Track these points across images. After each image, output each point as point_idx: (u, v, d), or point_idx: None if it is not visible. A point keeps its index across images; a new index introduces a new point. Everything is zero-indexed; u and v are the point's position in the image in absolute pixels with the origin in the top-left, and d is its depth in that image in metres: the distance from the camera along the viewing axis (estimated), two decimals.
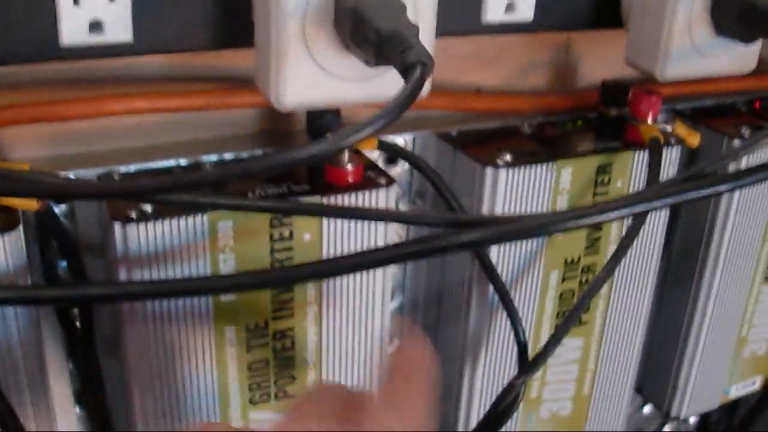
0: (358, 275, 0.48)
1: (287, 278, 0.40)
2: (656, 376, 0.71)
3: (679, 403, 0.70)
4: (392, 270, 0.51)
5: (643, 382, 0.73)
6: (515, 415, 0.58)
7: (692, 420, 0.85)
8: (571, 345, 0.59)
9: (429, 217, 0.45)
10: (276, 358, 0.48)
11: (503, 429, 0.58)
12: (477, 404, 0.57)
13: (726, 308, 0.66)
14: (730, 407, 0.81)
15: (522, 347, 0.51)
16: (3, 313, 0.41)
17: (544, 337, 0.57)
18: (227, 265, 0.44)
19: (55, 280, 0.46)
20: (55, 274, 0.46)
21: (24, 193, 0.39)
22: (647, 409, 0.80)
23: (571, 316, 0.51)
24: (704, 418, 0.82)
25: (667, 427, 0.84)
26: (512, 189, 0.51)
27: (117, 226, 0.42)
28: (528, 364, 0.51)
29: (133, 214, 0.43)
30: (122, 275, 0.43)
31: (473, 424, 0.57)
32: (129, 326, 0.44)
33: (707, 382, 0.69)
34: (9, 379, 0.43)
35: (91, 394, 0.50)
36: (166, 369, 0.46)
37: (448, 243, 0.39)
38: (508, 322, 0.53)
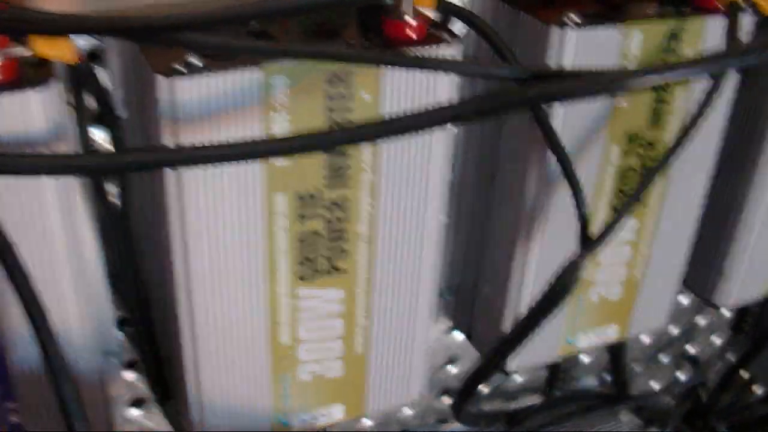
0: (415, 143, 0.45)
1: (347, 138, 0.37)
2: (701, 263, 0.68)
3: (722, 295, 0.67)
4: (450, 139, 0.47)
5: (687, 271, 0.70)
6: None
7: (728, 315, 0.83)
8: (626, 226, 0.56)
9: (506, 69, 0.42)
10: (328, 230, 0.45)
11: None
12: (529, 287, 0.54)
13: None
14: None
15: (584, 222, 0.48)
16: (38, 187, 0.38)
17: (601, 216, 0.54)
18: (280, 125, 0.41)
19: (91, 147, 0.43)
20: (89, 141, 0.43)
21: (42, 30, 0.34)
22: (683, 299, 0.78)
23: (639, 190, 0.48)
24: (741, 314, 0.80)
25: (700, 319, 0.81)
26: (580, 52, 0.47)
27: (161, 81, 0.39)
28: (592, 240, 0.48)
29: (180, 67, 0.39)
30: (166, 139, 0.40)
31: (523, 308, 0.54)
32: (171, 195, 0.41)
33: (756, 268, 0.66)
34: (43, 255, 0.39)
35: (128, 277, 0.47)
36: (209, 240, 0.42)
37: (522, 96, 0.35)
38: (567, 198, 0.50)
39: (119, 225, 0.46)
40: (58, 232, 0.40)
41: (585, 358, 0.74)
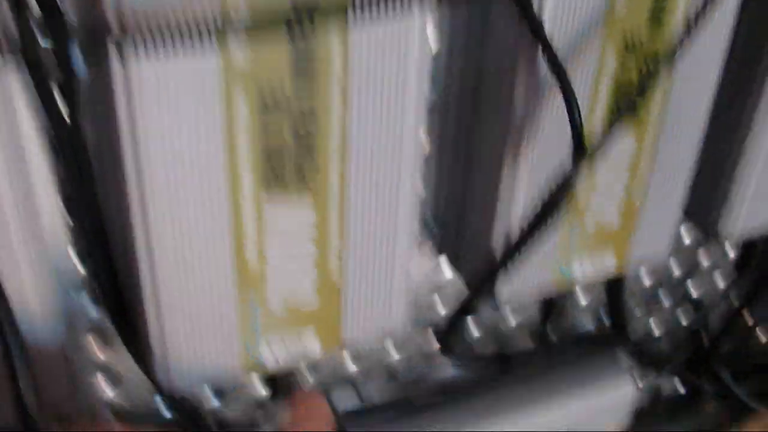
0: (389, 52, 0.41)
1: None
2: (703, 192, 0.64)
3: (727, 224, 0.63)
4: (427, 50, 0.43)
5: (687, 201, 0.66)
6: (560, 223, 0.52)
7: (732, 254, 0.79)
8: (623, 144, 0.52)
9: None
10: (296, 141, 0.41)
11: (548, 241, 0.52)
12: (519, 209, 0.50)
13: None
14: None
15: (578, 132, 0.44)
16: None
17: (596, 132, 0.50)
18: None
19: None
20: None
21: None
22: (685, 236, 0.74)
23: (636, 97, 0.44)
24: (746, 252, 0.76)
25: (703, 259, 0.78)
26: None
27: None
28: (585, 153, 0.44)
29: None
30: None
31: (513, 231, 0.50)
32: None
33: (762, 200, 0.62)
34: None
35: (82, 199, 0.43)
36: (164, 150, 0.38)
37: None
38: (558, 109, 0.46)
39: (71, 138, 0.42)
40: None
41: (582, 299, 0.70)
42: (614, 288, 0.70)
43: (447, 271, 0.60)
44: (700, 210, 0.65)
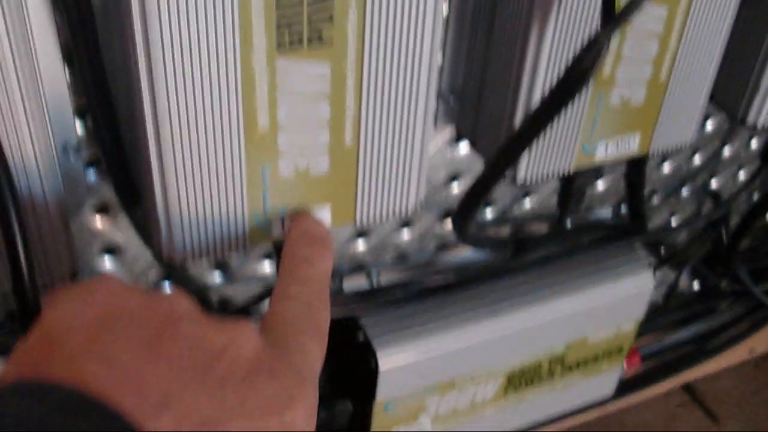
0: None
1: None
2: (733, 78, 0.61)
3: (757, 109, 0.61)
4: None
5: (715, 88, 0.63)
6: (585, 98, 0.49)
7: (755, 146, 0.76)
8: (653, 13, 0.49)
9: None
10: None
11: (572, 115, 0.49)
12: (542, 77, 0.47)
13: None
14: None
15: None
16: None
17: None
18: None
19: None
20: None
21: None
22: (709, 125, 0.71)
23: None
24: None
25: (726, 149, 0.75)
26: None
27: None
28: (615, 18, 0.41)
29: None
30: None
31: (535, 102, 0.48)
32: None
33: None
34: None
35: (83, 48, 0.41)
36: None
37: None
38: None
39: None
40: None
41: (600, 185, 0.68)
42: (634, 175, 0.67)
43: (463, 148, 0.58)
44: (728, 97, 0.62)
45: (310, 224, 0.42)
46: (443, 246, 0.64)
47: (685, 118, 0.56)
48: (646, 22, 0.49)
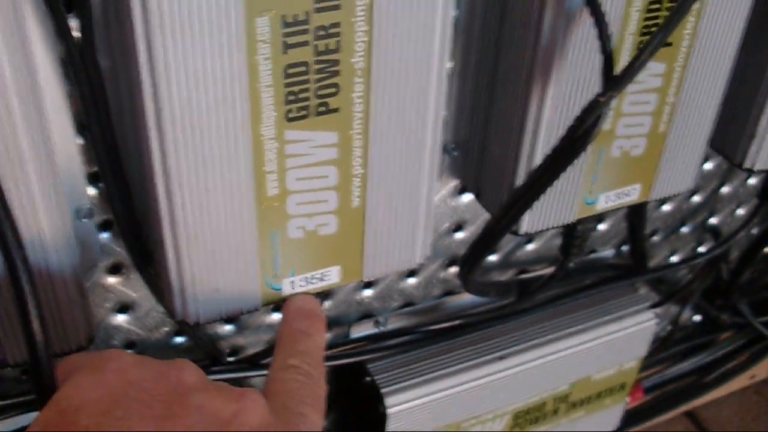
0: None
1: None
2: (730, 124, 0.62)
3: (753, 153, 0.62)
4: None
5: (713, 133, 0.64)
6: (587, 151, 0.50)
7: (753, 181, 0.77)
8: (652, 70, 0.50)
9: None
10: (318, 62, 0.39)
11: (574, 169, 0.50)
12: (544, 135, 0.48)
13: None
14: None
15: (608, 56, 0.43)
16: None
17: (625, 57, 0.48)
18: None
19: None
20: None
21: None
22: (706, 164, 0.73)
23: (668, 22, 0.42)
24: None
25: (725, 188, 0.76)
26: None
27: None
28: (617, 77, 0.43)
29: None
30: None
31: (538, 159, 0.49)
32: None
33: None
34: None
35: (95, 118, 0.42)
36: (182, 73, 0.37)
37: None
38: (588, 33, 0.44)
39: (85, 62, 0.40)
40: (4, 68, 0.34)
41: (602, 227, 0.69)
42: (635, 217, 0.68)
43: (467, 197, 0.59)
44: (726, 142, 0.63)
45: (305, 301, 0.45)
46: (449, 291, 0.65)
47: (685, 166, 0.57)
48: (645, 78, 0.50)
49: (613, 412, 0.76)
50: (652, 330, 0.70)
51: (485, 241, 0.49)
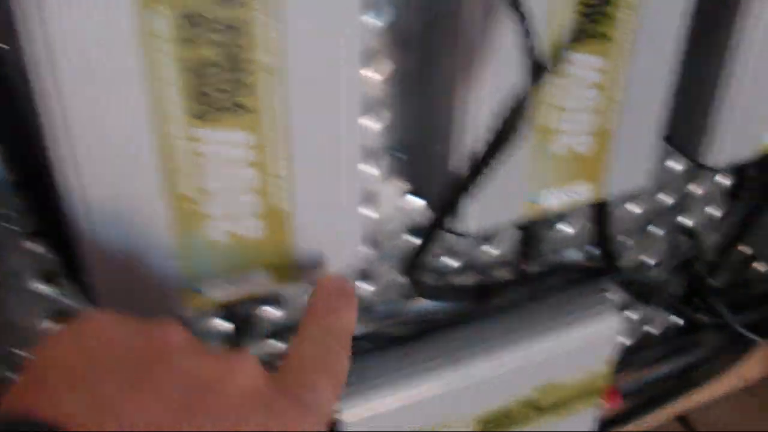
0: None
1: None
2: (688, 120, 0.61)
3: (711, 149, 0.61)
4: None
5: (672, 130, 0.63)
6: (528, 148, 0.50)
7: (726, 182, 0.76)
8: (590, 64, 0.49)
9: None
10: (226, 60, 0.38)
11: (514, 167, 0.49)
12: (477, 131, 0.47)
13: None
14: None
15: (531, 48, 0.42)
16: None
17: (558, 47, 0.47)
18: None
19: None
20: None
21: None
22: (675, 164, 0.71)
23: (594, 11, 0.41)
24: (740, 176, 0.73)
25: (696, 188, 0.75)
26: None
27: None
28: (540, 70, 0.42)
29: None
30: None
31: (474, 156, 0.48)
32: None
33: (743, 125, 0.59)
34: None
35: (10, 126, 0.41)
36: (79, 72, 0.36)
37: None
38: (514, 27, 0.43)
39: None
40: None
41: (567, 228, 0.68)
42: (600, 218, 0.67)
43: (414, 201, 0.58)
44: (685, 140, 0.62)
45: (336, 279, 0.41)
46: (407, 296, 0.64)
47: (637, 164, 0.56)
48: (584, 73, 0.49)
49: (587, 417, 0.75)
50: (618, 331, 0.69)
51: (424, 241, 0.49)
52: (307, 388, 0.33)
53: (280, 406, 0.31)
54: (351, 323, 0.39)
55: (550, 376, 0.68)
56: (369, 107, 0.51)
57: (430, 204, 0.54)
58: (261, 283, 0.45)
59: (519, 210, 0.52)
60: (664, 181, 0.71)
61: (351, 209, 0.46)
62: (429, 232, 0.49)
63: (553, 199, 0.54)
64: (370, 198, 0.56)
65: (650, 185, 0.58)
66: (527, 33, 0.42)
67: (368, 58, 0.50)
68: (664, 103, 0.54)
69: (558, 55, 0.42)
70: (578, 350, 0.67)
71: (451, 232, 0.52)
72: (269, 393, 0.32)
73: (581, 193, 0.54)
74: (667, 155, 0.69)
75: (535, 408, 0.69)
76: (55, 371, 0.29)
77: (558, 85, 0.49)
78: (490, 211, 0.52)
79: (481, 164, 0.45)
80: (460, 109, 0.47)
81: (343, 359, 0.36)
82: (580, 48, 0.48)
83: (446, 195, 0.47)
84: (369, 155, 0.54)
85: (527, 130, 0.48)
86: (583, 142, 0.52)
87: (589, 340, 0.67)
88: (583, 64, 0.49)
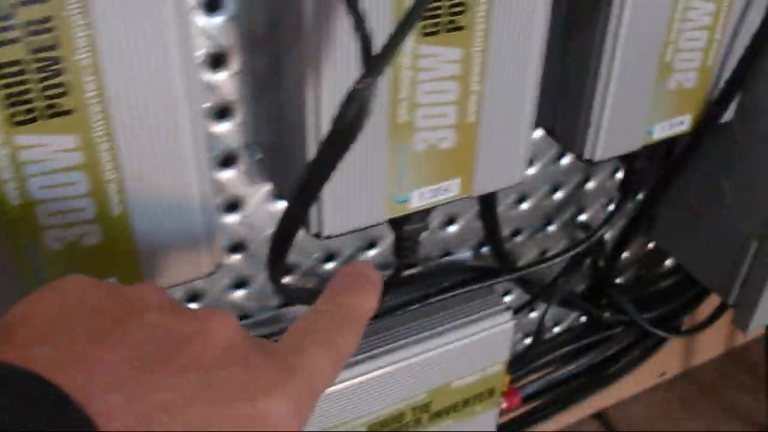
0: None
1: None
2: (567, 114, 0.60)
3: (592, 143, 0.60)
4: None
5: (555, 123, 0.63)
6: (381, 146, 0.48)
7: (619, 176, 0.76)
8: (447, 56, 0.48)
9: None
10: (35, 61, 0.37)
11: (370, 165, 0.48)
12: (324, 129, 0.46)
13: (643, 23, 0.55)
14: (662, 156, 0.71)
15: (366, 41, 0.40)
16: None
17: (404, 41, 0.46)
18: None
19: None
20: None
21: None
22: (566, 160, 0.71)
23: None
24: (629, 168, 0.72)
25: (590, 183, 0.74)
26: None
27: None
28: (371, 59, 0.40)
29: None
30: None
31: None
32: None
33: (624, 117, 0.59)
34: None
35: None
36: None
37: None
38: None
39: None
40: None
41: (453, 228, 0.67)
42: (487, 215, 0.67)
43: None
44: (567, 132, 0.62)
45: (363, 266, 0.39)
46: (286, 303, 0.62)
47: (508, 159, 0.55)
48: (439, 65, 0.48)
49: (485, 419, 0.74)
50: (510, 331, 0.68)
51: (277, 243, 0.47)
52: (296, 353, 0.32)
53: (257, 364, 0.30)
54: (368, 305, 0.36)
55: (443, 379, 0.67)
56: (225, 108, 0.50)
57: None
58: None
59: (383, 211, 0.51)
60: (556, 175, 0.70)
61: (201, 217, 0.45)
62: (281, 235, 0.47)
63: (421, 198, 0.52)
64: (235, 202, 0.55)
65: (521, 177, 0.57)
66: (362, 26, 0.40)
67: (218, 58, 0.48)
68: (532, 95, 0.53)
69: (394, 47, 0.40)
70: (470, 352, 0.66)
71: (317, 236, 0.50)
72: (246, 350, 0.31)
73: (450, 189, 0.53)
74: (559, 149, 0.68)
75: (428, 411, 0.68)
76: (25, 327, 0.29)
77: (412, 79, 0.47)
78: (348, 214, 0.50)
79: (322, 164, 0.43)
80: (307, 107, 0.45)
81: (348, 336, 0.35)
82: (434, 40, 0.46)
83: (295, 196, 0.46)
84: (230, 159, 0.52)
85: (381, 128, 0.46)
86: (445, 137, 0.51)
87: (481, 342, 0.66)
88: (438, 56, 0.48)
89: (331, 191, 0.48)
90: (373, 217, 0.51)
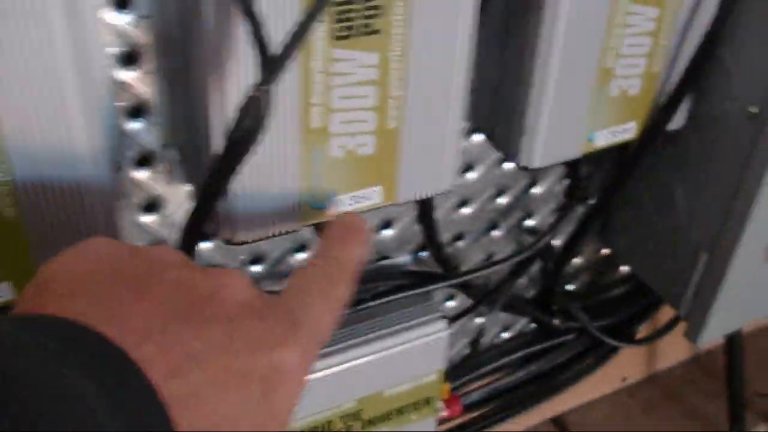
0: None
1: None
2: (504, 120, 0.59)
3: (529, 149, 0.58)
4: None
5: (493, 126, 0.61)
6: (294, 152, 0.47)
7: (564, 182, 0.74)
8: (363, 60, 0.46)
9: None
10: None
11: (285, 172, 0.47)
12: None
13: (579, 29, 0.53)
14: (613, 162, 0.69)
15: (261, 43, 0.39)
16: None
17: (314, 44, 0.44)
18: None
19: None
20: None
21: None
22: (510, 164, 0.69)
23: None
24: (574, 175, 0.70)
25: (536, 188, 0.73)
26: None
27: None
28: (268, 65, 0.39)
29: None
30: None
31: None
32: None
33: (562, 124, 0.57)
34: None
35: None
36: None
37: None
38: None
39: None
40: None
41: (390, 232, 0.65)
42: (424, 220, 0.65)
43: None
44: (504, 138, 0.60)
45: (351, 216, 0.43)
46: None
47: (434, 164, 0.53)
48: (354, 69, 0.46)
49: (423, 427, 0.72)
50: (445, 339, 0.66)
51: (189, 235, 0.46)
52: (299, 307, 0.35)
53: (271, 318, 0.33)
54: (357, 255, 0.40)
55: (374, 387, 0.65)
56: (139, 109, 0.48)
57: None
58: None
59: (298, 218, 0.49)
60: (500, 179, 0.69)
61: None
62: (186, 238, 0.45)
63: (344, 204, 0.51)
64: (153, 203, 0.53)
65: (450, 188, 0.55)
66: (258, 31, 0.39)
67: (131, 58, 0.47)
68: (459, 100, 0.51)
69: (289, 53, 0.39)
70: (403, 360, 0.65)
71: (227, 242, 0.49)
72: (261, 305, 0.33)
73: (371, 197, 0.51)
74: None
75: (360, 420, 0.66)
76: (57, 283, 0.30)
77: (326, 84, 0.46)
78: (264, 220, 0.49)
79: (219, 172, 0.42)
80: (211, 111, 0.44)
81: (341, 287, 0.38)
82: (348, 44, 0.45)
83: (197, 204, 0.44)
84: (147, 159, 0.51)
85: (294, 133, 0.45)
86: (365, 144, 0.49)
87: (414, 350, 0.65)
88: (353, 60, 0.46)
89: (243, 196, 0.46)
90: (287, 224, 0.49)
